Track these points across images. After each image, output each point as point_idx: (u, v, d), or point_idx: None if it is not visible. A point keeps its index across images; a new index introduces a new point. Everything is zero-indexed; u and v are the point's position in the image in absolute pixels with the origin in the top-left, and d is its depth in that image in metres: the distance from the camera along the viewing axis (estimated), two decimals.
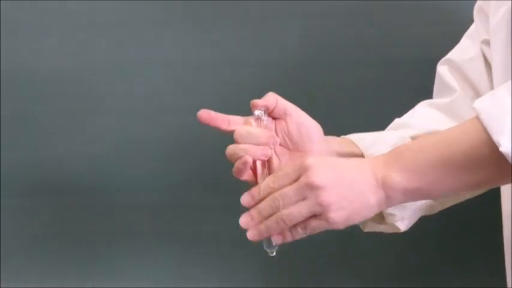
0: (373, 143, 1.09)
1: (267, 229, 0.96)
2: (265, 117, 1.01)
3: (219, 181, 1.38)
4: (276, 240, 0.97)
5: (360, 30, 1.38)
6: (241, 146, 0.99)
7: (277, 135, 1.03)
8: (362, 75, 1.38)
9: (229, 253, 1.40)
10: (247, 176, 1.00)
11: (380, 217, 1.09)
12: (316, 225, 0.95)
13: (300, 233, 0.96)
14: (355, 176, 0.94)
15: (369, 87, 1.37)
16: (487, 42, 1.12)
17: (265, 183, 0.97)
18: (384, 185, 0.94)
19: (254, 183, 0.99)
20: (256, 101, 1.01)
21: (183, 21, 1.39)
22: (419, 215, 1.10)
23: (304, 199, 0.94)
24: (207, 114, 1.01)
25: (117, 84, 1.40)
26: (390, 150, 0.97)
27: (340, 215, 0.94)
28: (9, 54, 1.39)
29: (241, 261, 1.40)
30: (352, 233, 1.39)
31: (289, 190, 0.94)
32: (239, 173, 0.99)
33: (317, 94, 1.37)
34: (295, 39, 1.38)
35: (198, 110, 1.00)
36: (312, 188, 0.93)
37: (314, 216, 0.94)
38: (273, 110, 1.02)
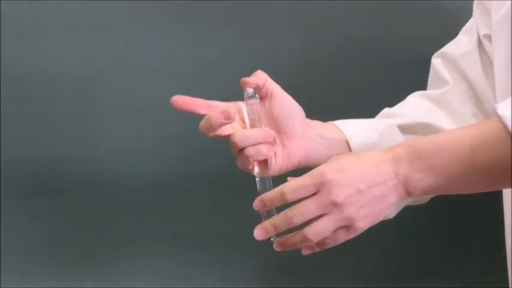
0: (359, 130, 1.09)
1: (293, 244, 0.98)
2: (256, 96, 1.01)
3: (219, 181, 1.38)
4: (305, 252, 0.98)
5: (360, 30, 1.38)
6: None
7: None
8: (362, 75, 1.38)
9: (229, 253, 1.40)
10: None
11: None
12: (345, 237, 0.96)
13: (328, 244, 0.97)
14: (376, 179, 0.94)
15: (368, 87, 1.37)
16: (488, 37, 1.12)
17: (280, 192, 0.96)
18: (406, 184, 0.94)
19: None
20: (247, 79, 1.01)
21: (184, 21, 1.39)
22: (406, 203, 1.11)
23: (326, 214, 0.94)
24: (181, 100, 1.01)
25: (117, 84, 1.40)
26: (412, 144, 0.96)
27: (366, 222, 0.95)
28: (9, 54, 1.39)
29: (241, 261, 1.40)
30: None
31: (311, 207, 0.94)
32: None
33: (317, 94, 1.37)
34: (295, 39, 1.38)
35: None
36: (335, 205, 0.93)
37: (341, 227, 0.95)
38: (260, 89, 1.02)
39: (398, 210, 1.10)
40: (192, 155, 1.39)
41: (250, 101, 1.01)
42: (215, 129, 0.99)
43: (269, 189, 0.98)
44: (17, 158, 1.40)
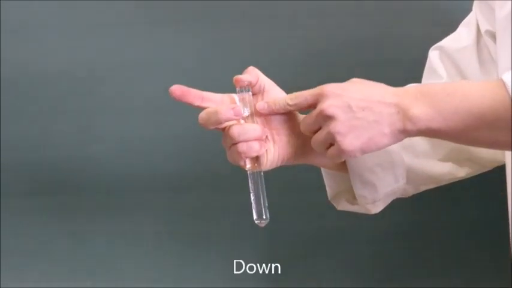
0: None
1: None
2: (249, 93, 1.01)
3: (219, 181, 1.38)
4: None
5: (360, 30, 1.38)
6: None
7: None
8: (362, 75, 1.37)
9: (229, 253, 1.40)
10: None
11: (352, 197, 1.09)
12: (332, 154, 0.95)
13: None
14: (373, 104, 0.94)
15: None
16: (490, 34, 1.12)
17: (283, 99, 0.99)
18: (405, 117, 0.93)
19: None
20: (240, 77, 1.01)
21: (184, 22, 1.39)
22: (392, 198, 1.10)
23: (320, 128, 0.95)
24: (180, 91, 1.01)
25: (117, 84, 1.40)
26: (422, 84, 0.96)
27: (353, 144, 0.94)
28: (9, 54, 1.39)
29: (241, 261, 1.40)
30: (352, 233, 1.39)
31: (307, 118, 0.97)
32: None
33: None
34: (295, 39, 1.38)
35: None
36: (323, 117, 0.94)
37: (331, 144, 0.95)
38: (253, 86, 1.02)
39: (384, 205, 1.09)
40: (192, 155, 1.39)
41: (243, 96, 1.01)
42: (221, 124, 0.99)
43: (261, 185, 0.99)
44: (17, 158, 1.40)
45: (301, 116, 1.05)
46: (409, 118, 0.93)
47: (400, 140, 0.95)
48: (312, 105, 0.96)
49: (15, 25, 1.40)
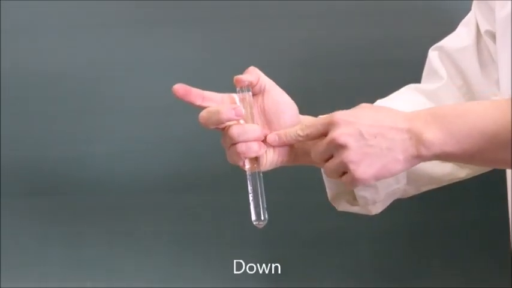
0: None
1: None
2: (249, 93, 1.01)
3: (219, 181, 1.38)
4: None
5: (360, 30, 1.38)
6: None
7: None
8: (362, 75, 1.38)
9: (229, 253, 1.40)
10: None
11: (352, 198, 1.09)
12: (346, 182, 0.95)
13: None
14: (385, 130, 0.93)
15: (369, 87, 1.37)
16: (489, 34, 1.11)
17: (294, 130, 0.98)
18: (418, 143, 0.92)
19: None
20: (241, 77, 1.00)
21: (184, 22, 1.39)
22: (393, 199, 1.10)
23: (332, 156, 0.94)
24: (183, 89, 1.00)
25: (117, 84, 1.40)
26: (433, 107, 0.95)
27: (366, 172, 0.93)
28: (9, 54, 1.39)
29: (241, 261, 1.40)
30: (353, 233, 1.39)
31: (319, 146, 0.95)
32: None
33: (317, 94, 1.37)
34: (295, 39, 1.38)
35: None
36: (335, 145, 0.93)
37: (345, 172, 0.94)
38: (254, 86, 1.01)
39: (385, 206, 1.09)
40: (192, 155, 1.39)
41: (243, 96, 1.00)
42: (222, 123, 0.99)
43: (260, 185, 0.99)
44: (17, 158, 1.40)
45: (302, 117, 1.05)
46: (422, 143, 0.92)
47: (414, 164, 0.95)
48: (323, 134, 0.95)
49: (15, 25, 1.40)
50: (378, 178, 0.94)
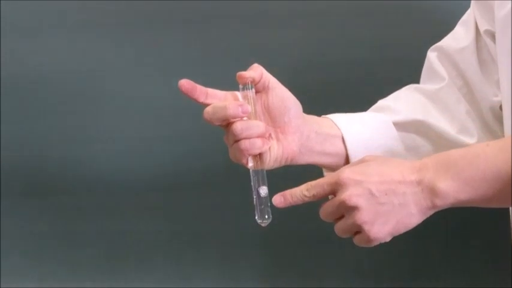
0: (353, 124, 1.08)
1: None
2: (252, 90, 1.00)
3: (219, 181, 1.38)
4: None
5: (360, 30, 1.38)
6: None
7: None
8: (362, 75, 1.38)
9: (229, 253, 1.40)
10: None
11: None
12: (360, 242, 0.94)
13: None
14: (395, 186, 0.92)
15: (369, 87, 1.37)
16: (489, 33, 1.11)
17: (300, 190, 0.96)
18: (432, 194, 0.91)
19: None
20: (244, 73, 1.00)
21: (183, 22, 1.39)
22: None
23: (343, 216, 0.93)
24: (189, 85, 0.99)
25: (117, 84, 1.40)
26: (440, 154, 0.93)
27: (381, 231, 0.92)
28: (9, 54, 1.39)
29: (241, 261, 1.40)
30: None
31: (328, 207, 0.94)
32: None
33: (316, 94, 1.37)
34: (295, 39, 1.38)
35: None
36: (346, 207, 0.92)
37: (358, 232, 0.93)
38: (257, 83, 1.01)
39: None
40: (192, 155, 1.39)
41: (246, 94, 1.00)
42: (228, 120, 0.98)
43: (263, 183, 0.98)
44: (17, 158, 1.40)
45: (306, 116, 1.05)
46: (436, 195, 0.91)
47: (429, 215, 0.93)
48: (330, 194, 0.94)
49: (15, 25, 1.40)
50: (394, 234, 0.93)
